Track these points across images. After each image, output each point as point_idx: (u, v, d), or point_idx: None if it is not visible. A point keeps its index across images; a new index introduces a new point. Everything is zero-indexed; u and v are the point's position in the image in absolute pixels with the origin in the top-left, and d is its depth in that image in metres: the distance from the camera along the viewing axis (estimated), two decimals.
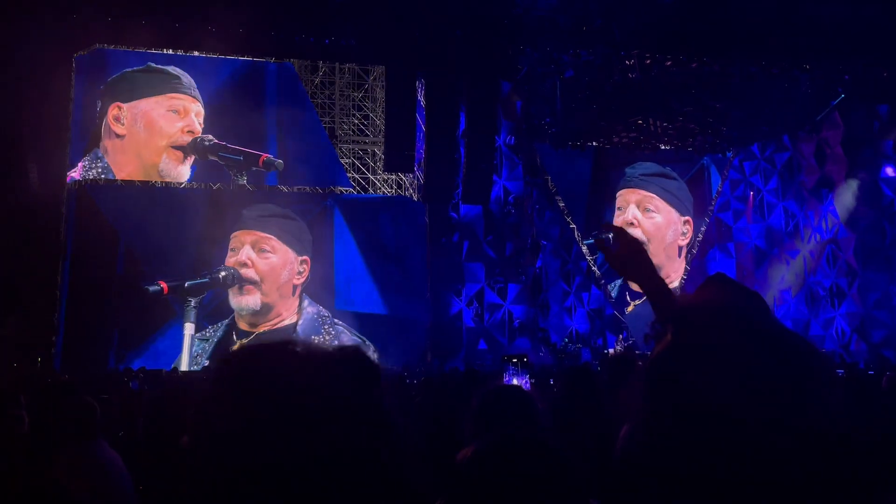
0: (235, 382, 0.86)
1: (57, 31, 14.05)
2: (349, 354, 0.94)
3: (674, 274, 18.38)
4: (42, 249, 14.27)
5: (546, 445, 1.21)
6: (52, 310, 14.36)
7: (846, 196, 17.60)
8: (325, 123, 17.78)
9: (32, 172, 13.41)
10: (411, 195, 17.67)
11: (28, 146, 13.57)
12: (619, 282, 18.16)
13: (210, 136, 15.33)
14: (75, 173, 15.05)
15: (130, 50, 15.79)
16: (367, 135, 18.64)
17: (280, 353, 0.89)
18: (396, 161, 16.41)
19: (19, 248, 13.41)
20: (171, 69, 15.58)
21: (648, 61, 16.63)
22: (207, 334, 14.69)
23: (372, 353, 15.44)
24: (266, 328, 14.92)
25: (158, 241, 14.68)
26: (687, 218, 18.69)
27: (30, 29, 13.48)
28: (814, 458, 0.88)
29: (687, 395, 0.93)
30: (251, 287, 14.86)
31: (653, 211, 18.28)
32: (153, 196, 15.29)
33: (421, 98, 16.69)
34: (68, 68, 15.23)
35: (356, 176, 18.18)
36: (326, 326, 15.29)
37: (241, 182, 15.91)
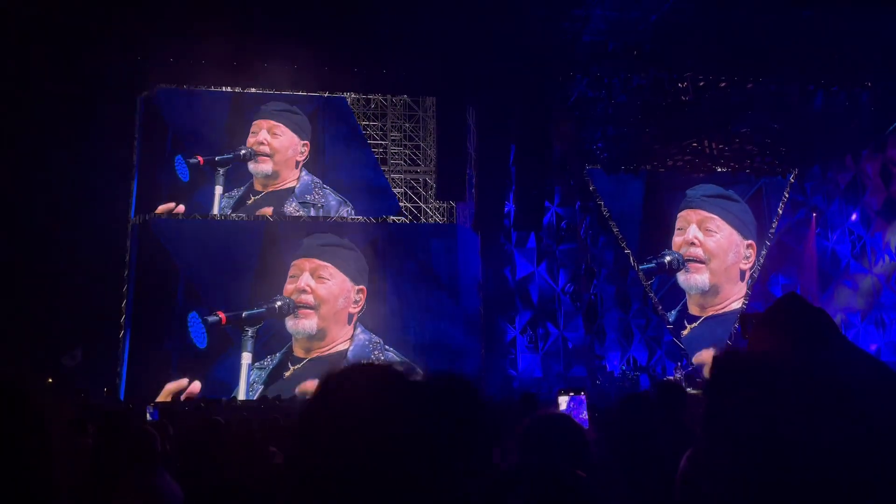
0: (335, 403, 0.84)
1: (121, 74, 14.69)
2: (450, 383, 0.89)
3: (734, 297, 17.91)
4: (107, 283, 14.79)
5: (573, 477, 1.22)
6: (117, 341, 14.83)
7: None
8: (377, 154, 18.04)
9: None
10: (463, 223, 17.72)
11: (93, 184, 14.12)
12: (678, 307, 17.80)
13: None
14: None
15: (192, 88, 16.42)
16: (418, 164, 18.82)
17: (384, 376, 0.86)
18: (448, 189, 16.51)
19: (86, 282, 13.92)
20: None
21: (702, 83, 16.40)
22: (265, 363, 15.02)
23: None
24: (318, 354, 15.15)
25: (217, 273, 15.17)
26: (750, 242, 18.22)
27: (95, 72, 14.12)
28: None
29: (740, 433, 0.94)
30: (309, 311, 15.26)
31: (713, 231, 17.93)
32: (212, 229, 15.78)
33: (472, 126, 16.81)
34: (132, 108, 15.89)
35: (408, 205, 18.33)
36: (377, 352, 15.47)
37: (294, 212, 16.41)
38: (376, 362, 0.89)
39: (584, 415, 3.90)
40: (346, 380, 0.87)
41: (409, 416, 0.80)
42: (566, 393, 3.97)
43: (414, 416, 0.80)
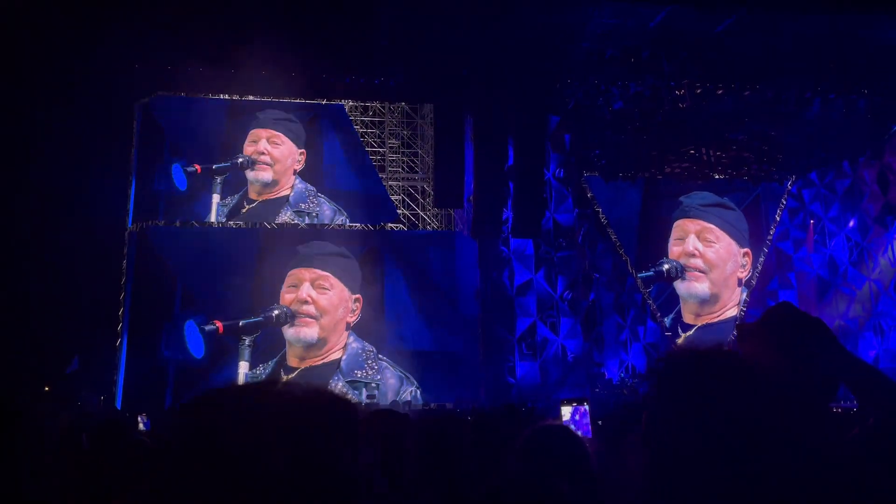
0: (197, 431, 0.83)
1: (119, 80, 14.69)
2: (323, 400, 0.87)
3: (729, 304, 17.87)
4: (105, 291, 14.76)
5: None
6: (114, 349, 14.77)
7: None
8: (374, 161, 18.06)
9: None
10: (461, 230, 17.71)
11: (90, 191, 14.10)
12: (673, 314, 17.77)
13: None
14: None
15: (189, 96, 16.43)
16: (416, 171, 18.82)
17: (245, 396, 0.86)
18: (446, 196, 16.49)
19: (84, 290, 13.88)
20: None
21: (699, 90, 16.43)
22: (257, 372, 14.93)
23: (414, 391, 15.40)
24: (311, 363, 15.09)
25: (214, 281, 15.11)
26: (746, 250, 18.20)
27: (92, 78, 14.12)
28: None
29: (680, 445, 0.90)
30: (310, 320, 15.19)
31: (713, 241, 17.87)
32: (209, 237, 15.74)
33: (469, 133, 16.81)
34: (130, 115, 15.90)
35: (406, 212, 18.33)
36: (370, 361, 15.41)
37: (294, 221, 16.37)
38: (242, 384, 0.89)
39: (588, 426, 3.86)
40: (206, 405, 0.85)
41: (272, 435, 0.80)
42: (569, 403, 3.93)
43: (277, 434, 0.80)
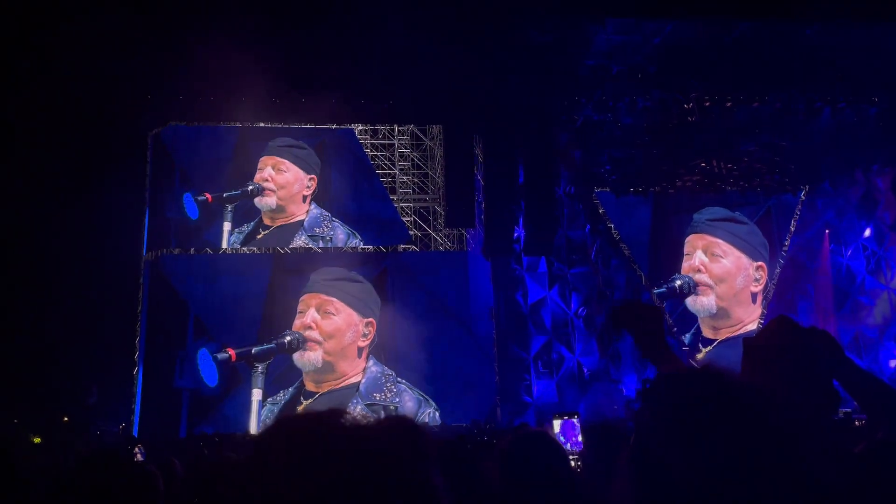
0: (276, 454, 0.85)
1: (131, 111, 14.92)
2: (397, 426, 0.90)
3: (746, 319, 17.60)
4: (122, 320, 14.90)
5: None
6: (131, 379, 14.87)
7: None
8: (385, 183, 18.14)
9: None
10: (473, 249, 17.71)
11: (105, 221, 14.27)
12: (692, 329, 17.58)
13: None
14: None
15: (201, 125, 16.63)
16: (426, 192, 18.89)
17: (325, 424, 0.87)
18: (457, 216, 16.54)
19: (101, 319, 14.02)
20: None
21: (708, 103, 16.43)
22: (278, 398, 14.93)
23: (433, 413, 15.33)
24: (329, 388, 15.04)
25: (226, 308, 15.17)
26: (760, 263, 17.89)
27: (105, 109, 14.35)
28: None
29: (670, 473, 0.89)
30: (314, 345, 15.19)
31: (720, 256, 17.62)
32: (223, 265, 15.83)
33: (479, 153, 16.90)
34: (143, 145, 16.12)
35: (417, 233, 18.37)
36: (389, 384, 15.34)
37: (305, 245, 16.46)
38: (311, 412, 0.90)
39: (579, 437, 3.91)
40: (277, 434, 0.86)
41: (343, 463, 0.80)
42: (560, 417, 3.99)
43: (349, 462, 0.80)
